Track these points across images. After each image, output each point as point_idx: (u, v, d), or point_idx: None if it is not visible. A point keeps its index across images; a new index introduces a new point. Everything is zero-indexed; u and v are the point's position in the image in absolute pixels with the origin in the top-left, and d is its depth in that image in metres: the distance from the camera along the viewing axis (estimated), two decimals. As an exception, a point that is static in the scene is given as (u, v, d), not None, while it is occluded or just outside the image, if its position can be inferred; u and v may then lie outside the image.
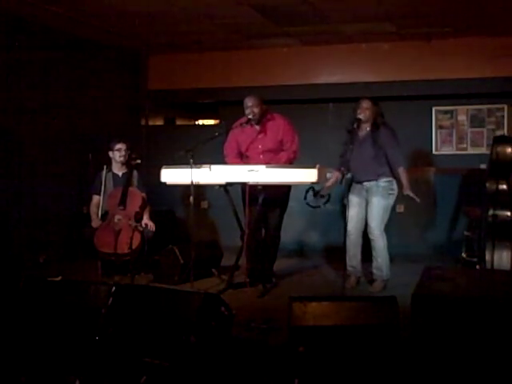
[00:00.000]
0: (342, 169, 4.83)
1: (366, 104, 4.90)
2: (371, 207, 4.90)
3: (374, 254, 4.97)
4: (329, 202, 4.93)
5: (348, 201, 4.91)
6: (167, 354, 2.89)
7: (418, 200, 4.81)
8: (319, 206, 4.94)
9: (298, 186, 5.12)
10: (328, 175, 5.05)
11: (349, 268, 5.05)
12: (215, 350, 3.02)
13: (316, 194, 4.90)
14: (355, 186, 4.99)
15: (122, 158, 5.62)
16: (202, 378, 2.87)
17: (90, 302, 3.19)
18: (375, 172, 4.88)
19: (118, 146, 5.60)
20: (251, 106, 4.92)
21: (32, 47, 5.91)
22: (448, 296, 2.97)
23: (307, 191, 4.85)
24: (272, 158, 4.99)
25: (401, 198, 5.02)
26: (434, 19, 5.80)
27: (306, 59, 7.03)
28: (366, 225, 4.97)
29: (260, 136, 5.04)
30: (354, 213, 4.98)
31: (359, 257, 5.06)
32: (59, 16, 5.69)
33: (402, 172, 4.84)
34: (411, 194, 4.81)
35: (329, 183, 5.01)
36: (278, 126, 5.05)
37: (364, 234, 5.03)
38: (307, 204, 4.93)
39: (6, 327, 3.27)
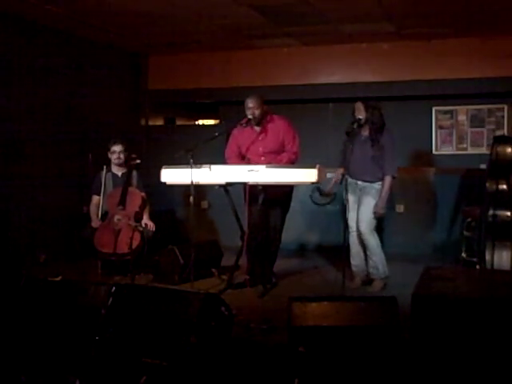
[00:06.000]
0: (343, 169, 4.87)
1: (359, 106, 4.91)
2: (362, 207, 4.92)
3: (368, 253, 4.99)
4: (334, 200, 4.97)
5: (346, 201, 4.95)
6: (167, 354, 2.89)
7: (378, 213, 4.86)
8: (325, 204, 4.98)
9: (299, 186, 5.13)
10: (328, 175, 5.07)
11: (353, 268, 5.08)
12: (215, 350, 3.02)
13: (322, 192, 4.92)
14: (350, 183, 4.97)
15: (116, 161, 5.63)
16: (202, 378, 2.87)
17: (90, 302, 3.19)
18: (373, 174, 4.89)
19: (113, 148, 5.61)
20: (252, 108, 4.91)
21: (32, 47, 5.92)
22: (448, 296, 2.97)
23: (313, 191, 4.89)
24: (273, 160, 4.99)
25: (401, 198, 5.02)
26: (434, 19, 5.80)
27: (306, 59, 7.03)
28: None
29: (261, 137, 5.04)
30: (353, 211, 5.00)
31: (362, 255, 5.07)
32: (59, 16, 5.69)
33: (387, 181, 4.85)
34: (380, 211, 4.82)
35: (332, 181, 5.05)
36: (278, 127, 5.04)
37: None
38: (314, 202, 4.97)
39: (6, 327, 3.27)
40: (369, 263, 5.01)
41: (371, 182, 4.90)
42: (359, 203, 4.95)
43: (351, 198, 4.99)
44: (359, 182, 4.96)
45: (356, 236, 5.02)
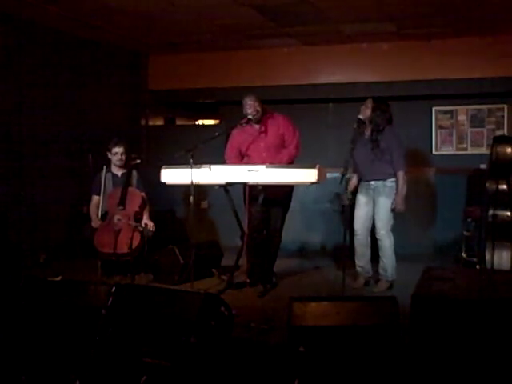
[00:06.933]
0: (343, 169, 4.88)
1: (367, 104, 4.92)
2: (378, 207, 4.91)
3: (380, 253, 4.99)
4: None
5: (356, 200, 5.00)
6: (167, 354, 2.89)
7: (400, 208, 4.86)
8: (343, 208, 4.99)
9: (299, 186, 5.14)
10: (328, 175, 5.07)
11: (357, 268, 5.09)
12: (215, 350, 3.02)
13: (342, 199, 4.93)
14: (363, 185, 5.03)
15: (118, 162, 5.62)
16: (202, 378, 2.87)
17: (90, 302, 3.20)
18: (382, 171, 4.88)
19: (115, 149, 5.60)
20: (253, 105, 4.94)
21: (32, 47, 5.92)
22: (448, 296, 2.97)
23: (340, 201, 4.93)
24: (276, 154, 5.00)
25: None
26: (434, 19, 5.80)
27: (306, 59, 7.03)
28: (374, 224, 4.98)
29: (262, 135, 5.05)
30: (361, 212, 5.01)
31: (368, 256, 5.07)
32: (59, 16, 5.69)
33: (400, 177, 4.85)
34: (398, 207, 4.82)
35: (352, 185, 5.04)
36: (277, 122, 5.07)
37: (371, 234, 5.06)
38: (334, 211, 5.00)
39: (6, 327, 3.27)
40: (379, 264, 5.01)
41: (382, 179, 4.88)
42: (375, 204, 4.94)
43: (362, 199, 5.00)
44: (372, 183, 4.95)
45: (362, 239, 5.02)
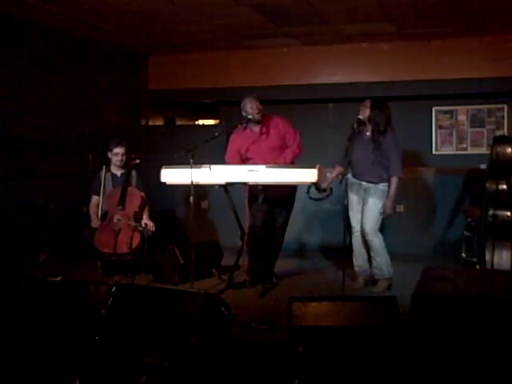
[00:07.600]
0: (341, 169, 4.87)
1: (366, 104, 4.91)
2: (367, 208, 4.90)
3: (372, 254, 4.98)
4: (330, 196, 4.96)
5: (348, 200, 4.95)
6: (167, 354, 2.89)
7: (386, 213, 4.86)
8: (321, 199, 4.98)
9: (300, 186, 5.14)
10: (328, 175, 5.06)
11: (355, 268, 5.08)
12: (215, 350, 3.02)
13: (318, 188, 4.91)
14: (354, 183, 4.98)
15: (118, 163, 5.61)
16: (202, 378, 2.87)
17: (89, 302, 3.19)
18: (378, 175, 4.86)
19: (116, 150, 5.58)
20: (254, 104, 4.94)
21: (32, 47, 5.92)
22: (448, 296, 2.97)
23: (310, 186, 4.89)
24: (278, 156, 4.99)
25: (400, 198, 5.02)
26: (434, 19, 5.80)
27: (306, 59, 7.03)
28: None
29: (263, 136, 5.04)
30: (356, 211, 5.00)
31: (365, 255, 5.06)
32: (59, 16, 5.69)
33: (394, 182, 4.83)
34: (388, 211, 4.81)
35: (330, 178, 5.03)
36: (277, 124, 5.08)
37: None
38: (310, 198, 4.97)
39: (6, 327, 3.27)
40: (372, 264, 5.00)
41: (375, 182, 4.88)
42: (364, 203, 4.93)
43: (354, 198, 4.99)
44: (363, 183, 4.94)
45: (359, 236, 5.01)
